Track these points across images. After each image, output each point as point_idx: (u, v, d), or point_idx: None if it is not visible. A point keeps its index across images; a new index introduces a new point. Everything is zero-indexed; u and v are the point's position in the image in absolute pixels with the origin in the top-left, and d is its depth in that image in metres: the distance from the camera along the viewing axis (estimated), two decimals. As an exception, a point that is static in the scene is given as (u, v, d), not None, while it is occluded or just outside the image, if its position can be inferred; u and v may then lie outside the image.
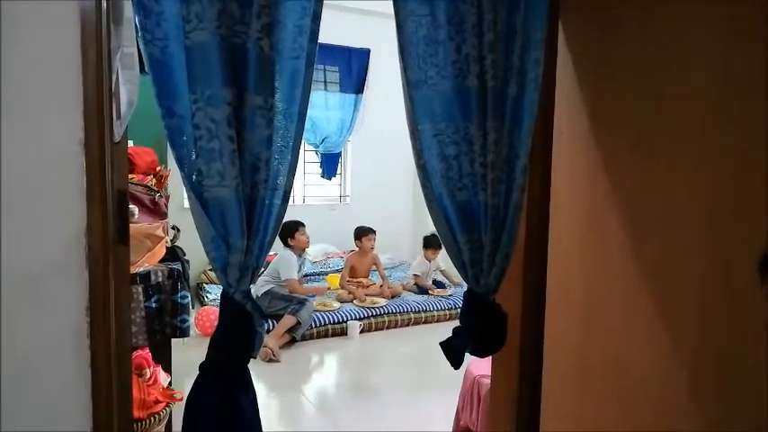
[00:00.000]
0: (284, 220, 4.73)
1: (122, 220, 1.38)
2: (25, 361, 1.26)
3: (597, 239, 1.68)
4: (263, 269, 4.47)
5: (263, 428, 1.37)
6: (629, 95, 1.56)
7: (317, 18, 1.29)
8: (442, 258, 5.62)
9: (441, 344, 1.60)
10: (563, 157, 1.77)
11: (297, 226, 4.83)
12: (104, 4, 1.26)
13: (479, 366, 2.55)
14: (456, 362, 1.59)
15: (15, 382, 1.26)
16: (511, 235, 1.55)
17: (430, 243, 5.62)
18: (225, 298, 1.28)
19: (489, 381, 2.16)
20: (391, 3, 1.46)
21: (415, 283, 5.68)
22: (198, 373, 1.29)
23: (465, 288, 1.62)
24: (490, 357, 2.01)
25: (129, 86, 1.38)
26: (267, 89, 1.24)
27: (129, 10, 1.31)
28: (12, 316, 1.24)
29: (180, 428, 1.30)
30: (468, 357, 1.63)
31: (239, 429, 1.27)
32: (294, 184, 1.36)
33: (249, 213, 1.24)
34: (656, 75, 1.48)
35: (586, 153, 1.68)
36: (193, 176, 1.21)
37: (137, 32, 1.34)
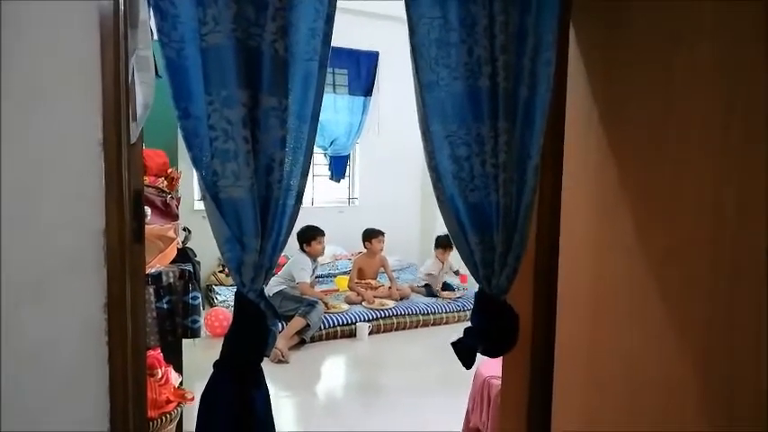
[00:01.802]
0: (306, 225, 4.70)
1: (138, 220, 1.40)
2: (45, 356, 1.29)
3: (607, 240, 1.68)
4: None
5: (275, 430, 1.38)
6: (640, 95, 1.56)
7: (330, 21, 1.31)
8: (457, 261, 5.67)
9: (452, 344, 1.61)
10: (574, 158, 1.77)
11: (315, 234, 4.84)
12: (122, 7, 1.28)
13: (489, 367, 2.55)
14: (467, 362, 1.60)
15: (35, 378, 1.29)
16: (522, 235, 1.56)
17: (441, 242, 5.63)
18: (239, 297, 1.29)
19: (499, 382, 2.16)
20: (402, 6, 1.47)
21: (426, 284, 5.68)
22: (212, 371, 1.31)
23: (472, 290, 1.63)
24: (500, 358, 2.01)
25: (145, 88, 1.40)
26: (281, 91, 1.26)
27: (144, 12, 1.33)
28: (32, 311, 1.26)
29: (191, 428, 1.31)
30: (478, 358, 1.63)
31: (253, 426, 1.29)
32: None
33: (263, 213, 1.25)
34: (666, 74, 1.49)
35: (597, 153, 1.68)
36: (209, 177, 1.23)
37: (152, 35, 1.36)
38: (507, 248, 1.53)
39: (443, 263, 5.72)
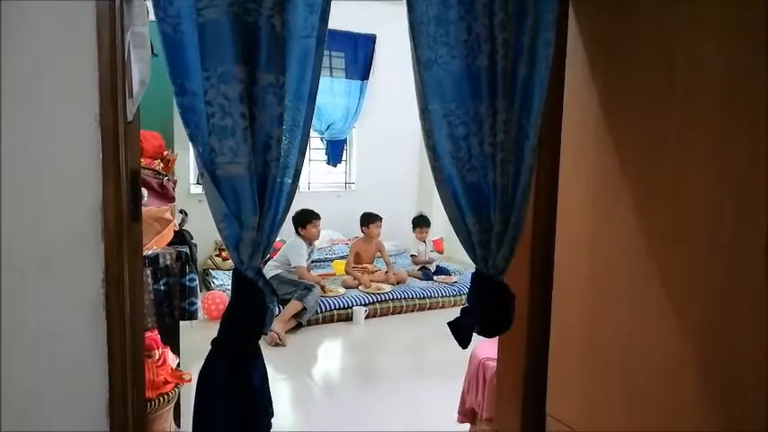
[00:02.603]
0: (301, 209, 4.67)
1: (135, 199, 1.40)
2: (45, 331, 1.29)
3: (605, 220, 1.69)
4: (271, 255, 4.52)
5: (272, 406, 1.39)
6: (640, 76, 1.56)
7: (328, -4, 1.30)
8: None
9: (449, 323, 1.61)
10: (572, 138, 1.77)
11: (311, 218, 4.83)
12: (117, -17, 1.27)
13: (485, 349, 2.57)
14: (464, 341, 1.61)
15: (36, 353, 1.29)
16: (519, 216, 1.56)
17: (417, 223, 5.87)
18: (237, 275, 1.29)
19: (495, 363, 2.17)
20: (400, -15, 1.46)
21: (420, 268, 5.72)
22: (210, 348, 1.31)
23: (468, 275, 1.63)
24: (496, 340, 2.03)
25: (141, 65, 1.39)
26: (278, 67, 1.25)
27: (140, -12, 1.31)
28: (31, 286, 1.27)
29: (188, 409, 1.32)
30: (474, 339, 1.64)
31: (250, 402, 1.29)
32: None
33: (261, 191, 1.25)
34: (667, 55, 1.48)
35: (595, 133, 1.68)
36: (206, 154, 1.22)
37: (148, 12, 1.35)
38: (504, 229, 1.53)
39: (424, 242, 5.81)
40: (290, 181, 1.30)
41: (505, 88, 1.46)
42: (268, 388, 1.37)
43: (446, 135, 1.49)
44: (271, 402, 1.39)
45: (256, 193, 1.23)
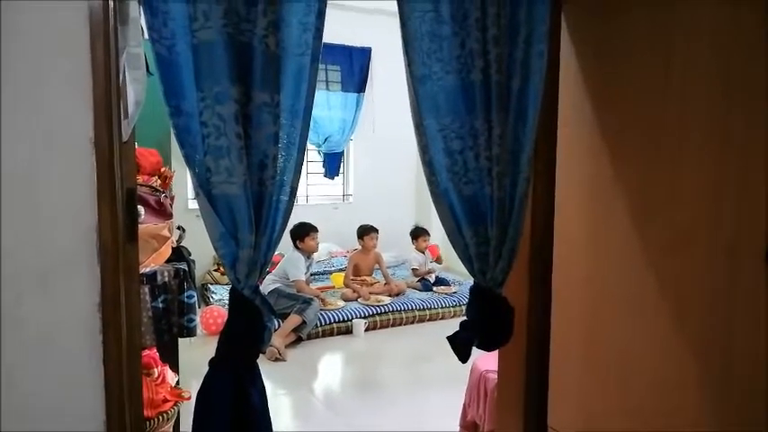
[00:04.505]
0: (299, 222, 4.65)
1: (131, 219, 1.40)
2: (39, 355, 1.28)
3: (602, 230, 1.69)
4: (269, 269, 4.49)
5: (271, 426, 1.38)
6: (633, 82, 1.57)
7: (321, 14, 1.30)
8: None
9: (448, 338, 1.61)
10: (567, 148, 1.77)
11: (309, 230, 4.82)
12: (111, 5, 1.28)
13: (486, 361, 2.56)
14: (463, 356, 1.60)
15: (30, 377, 1.28)
16: (517, 228, 1.56)
17: (417, 233, 5.85)
18: (234, 294, 1.29)
19: (496, 376, 2.16)
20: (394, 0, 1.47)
21: (419, 280, 5.70)
22: (208, 368, 1.31)
23: (468, 285, 1.63)
24: (497, 352, 2.02)
25: (136, 86, 1.39)
26: (273, 86, 1.25)
27: (134, 10, 1.32)
28: (25, 309, 1.26)
29: (188, 427, 1.31)
30: (474, 352, 1.63)
31: (249, 422, 1.29)
32: (297, 183, 1.36)
33: (257, 209, 1.25)
34: (660, 61, 1.49)
35: (591, 143, 1.69)
36: (202, 174, 1.22)
37: (142, 32, 1.36)
38: (502, 241, 1.54)
39: (424, 252, 5.82)
40: (286, 198, 1.31)
41: (500, 102, 1.47)
42: (267, 406, 1.36)
43: (442, 149, 1.50)
44: (270, 421, 1.38)
45: (253, 212, 1.23)
